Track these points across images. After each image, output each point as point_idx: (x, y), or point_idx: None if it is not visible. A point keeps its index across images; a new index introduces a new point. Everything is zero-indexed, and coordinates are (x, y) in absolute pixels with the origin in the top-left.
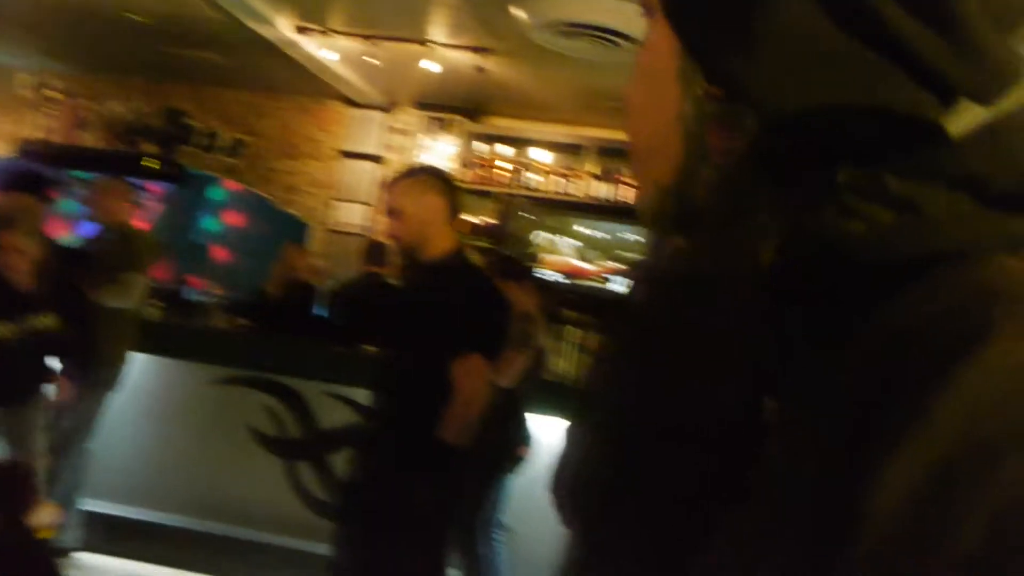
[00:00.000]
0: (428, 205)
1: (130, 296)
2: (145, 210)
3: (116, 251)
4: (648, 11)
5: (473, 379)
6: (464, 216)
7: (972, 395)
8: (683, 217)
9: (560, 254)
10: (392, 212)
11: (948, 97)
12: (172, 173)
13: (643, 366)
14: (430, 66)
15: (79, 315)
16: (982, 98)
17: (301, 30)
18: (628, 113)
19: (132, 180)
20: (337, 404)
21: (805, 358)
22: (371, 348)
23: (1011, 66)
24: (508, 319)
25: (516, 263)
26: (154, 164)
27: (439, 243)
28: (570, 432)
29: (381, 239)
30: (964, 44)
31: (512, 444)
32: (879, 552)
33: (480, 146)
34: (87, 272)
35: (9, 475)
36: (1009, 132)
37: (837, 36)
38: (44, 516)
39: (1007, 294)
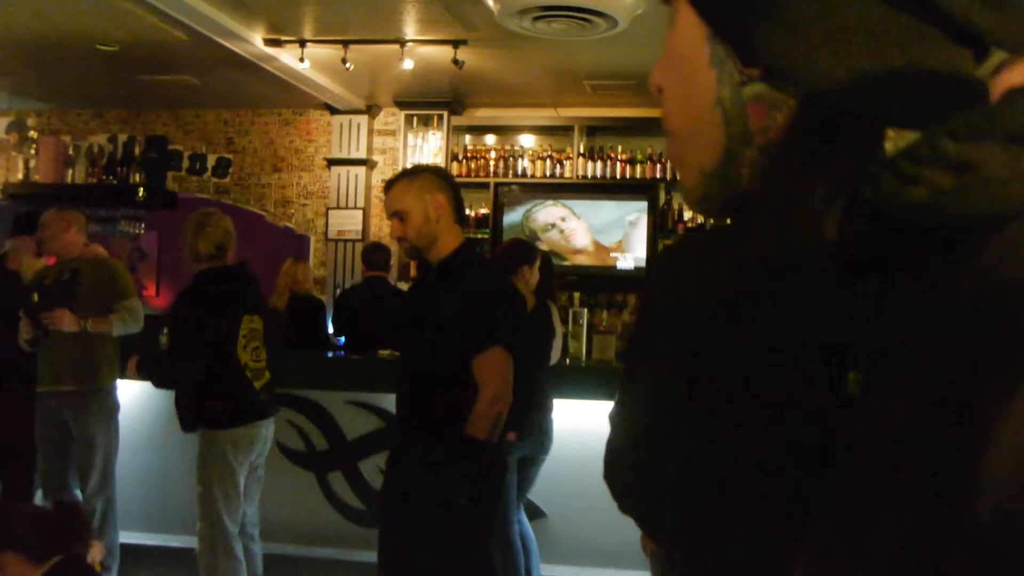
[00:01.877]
0: (432, 204)
1: (136, 320)
2: (132, 240)
3: (93, 281)
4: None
5: (497, 373)
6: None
7: None
8: (731, 200)
9: (561, 236)
10: (397, 214)
11: (982, 51)
12: (163, 200)
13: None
14: (406, 64)
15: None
16: (1015, 47)
17: (274, 43)
18: (662, 101)
19: (125, 211)
20: (361, 412)
21: (888, 326)
22: (383, 352)
23: None
24: (524, 310)
25: (523, 247)
26: (142, 194)
27: (447, 240)
28: (622, 416)
29: (378, 242)
30: None
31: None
32: (1000, 509)
33: (466, 138)
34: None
35: (72, 515)
36: None
37: (868, 1)
38: (95, 554)
39: None
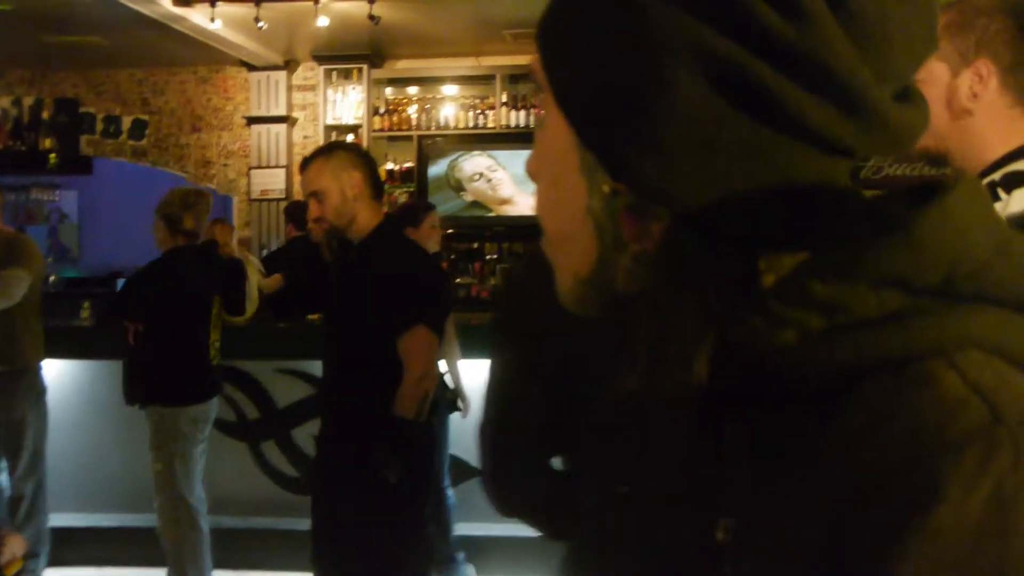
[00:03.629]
0: (348, 182)
1: (7, 291)
2: (42, 208)
3: None
4: (539, 87)
5: (421, 352)
6: (382, 166)
7: (929, 565)
8: (607, 303)
9: (488, 185)
10: (314, 195)
11: (854, 156)
12: (78, 165)
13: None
14: (321, 21)
15: None
16: (885, 156)
17: (183, 3)
18: (536, 197)
19: (38, 178)
20: (291, 379)
21: (758, 479)
22: (313, 316)
23: (911, 128)
24: (448, 286)
25: (413, 208)
26: (55, 159)
27: (366, 218)
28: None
29: (303, 200)
30: (866, 116)
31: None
32: None
33: (387, 91)
34: None
35: None
36: (924, 226)
37: (735, 118)
38: (13, 548)
39: (949, 442)
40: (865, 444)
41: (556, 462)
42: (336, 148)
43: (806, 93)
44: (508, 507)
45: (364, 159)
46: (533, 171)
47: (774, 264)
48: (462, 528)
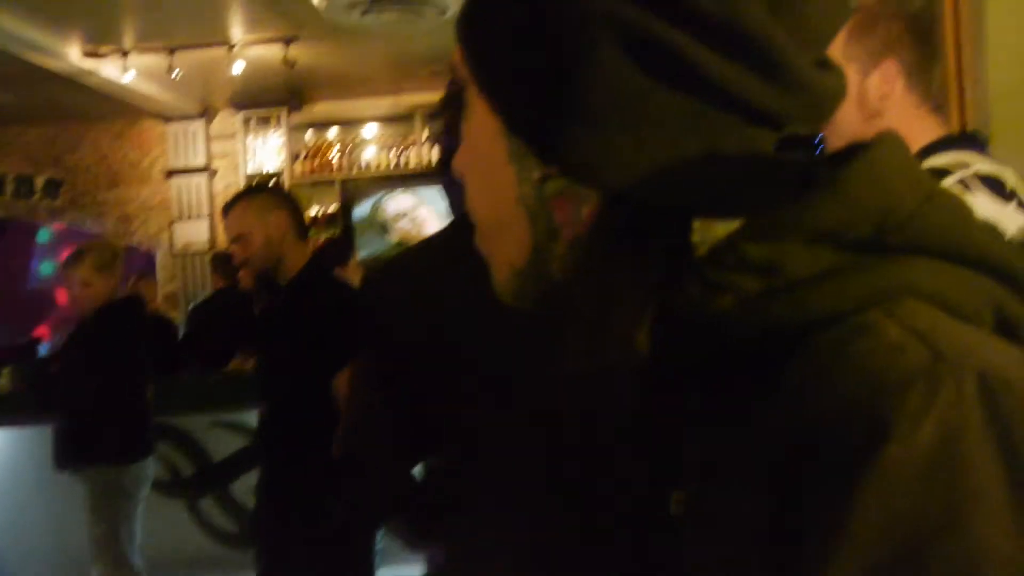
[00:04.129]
0: (273, 224)
1: None
2: None
3: None
4: (462, 82)
5: None
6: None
7: (881, 503)
8: (544, 297)
9: (413, 224)
10: (237, 238)
11: (778, 127)
12: None
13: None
14: (237, 67)
15: None
16: (810, 124)
17: (93, 54)
18: (467, 192)
19: None
20: (225, 432)
21: (709, 446)
22: (239, 364)
23: (831, 91)
24: None
25: (339, 246)
26: None
27: (293, 260)
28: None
29: (227, 251)
30: (786, 80)
31: None
32: None
33: (308, 134)
34: None
35: None
36: (852, 178)
37: (658, 90)
38: None
39: (893, 382)
40: (809, 396)
41: (417, 468)
42: (258, 190)
43: (726, 61)
44: (367, 514)
45: (286, 200)
46: (461, 167)
47: (706, 233)
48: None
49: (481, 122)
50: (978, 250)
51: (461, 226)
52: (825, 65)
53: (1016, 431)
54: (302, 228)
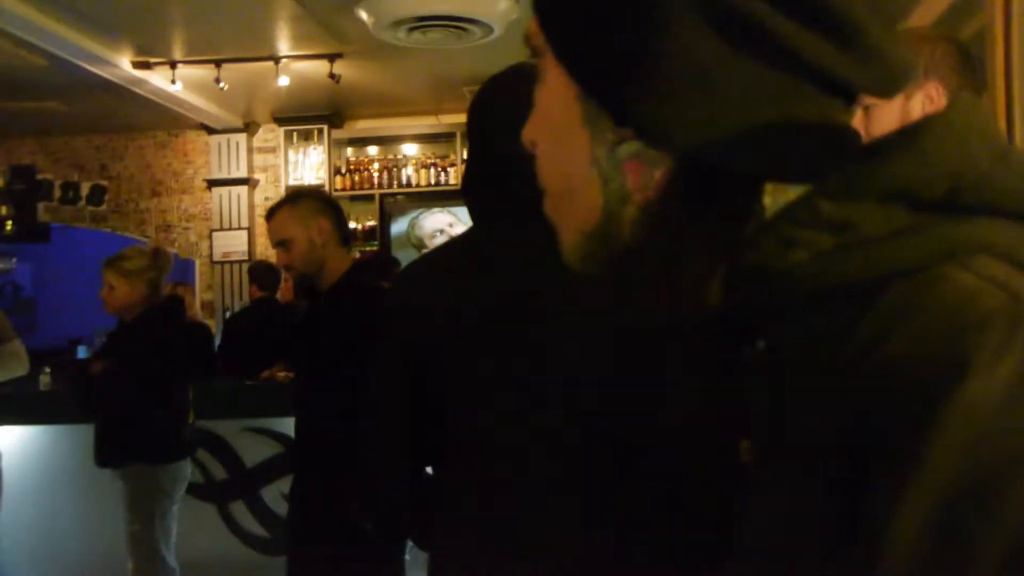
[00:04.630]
0: (316, 229)
1: (22, 363)
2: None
3: None
4: (537, 52)
5: None
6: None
7: (960, 436)
8: (613, 260)
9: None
10: (281, 243)
11: (851, 98)
12: (35, 232)
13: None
14: (283, 81)
15: None
16: (884, 95)
17: (143, 65)
18: (537, 159)
19: None
20: (259, 438)
21: (778, 396)
22: (280, 375)
23: (906, 63)
24: None
25: (383, 259)
26: (10, 227)
27: (335, 266)
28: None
29: (266, 261)
30: (862, 49)
31: None
32: None
33: (348, 151)
34: None
35: None
36: (928, 137)
37: (736, 58)
38: None
39: (972, 321)
40: (886, 340)
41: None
42: (302, 196)
43: (802, 29)
44: (380, 514)
45: (330, 206)
46: (531, 138)
47: (779, 197)
48: None
49: (555, 89)
50: None
51: (485, 230)
52: (900, 41)
53: None
54: (345, 235)
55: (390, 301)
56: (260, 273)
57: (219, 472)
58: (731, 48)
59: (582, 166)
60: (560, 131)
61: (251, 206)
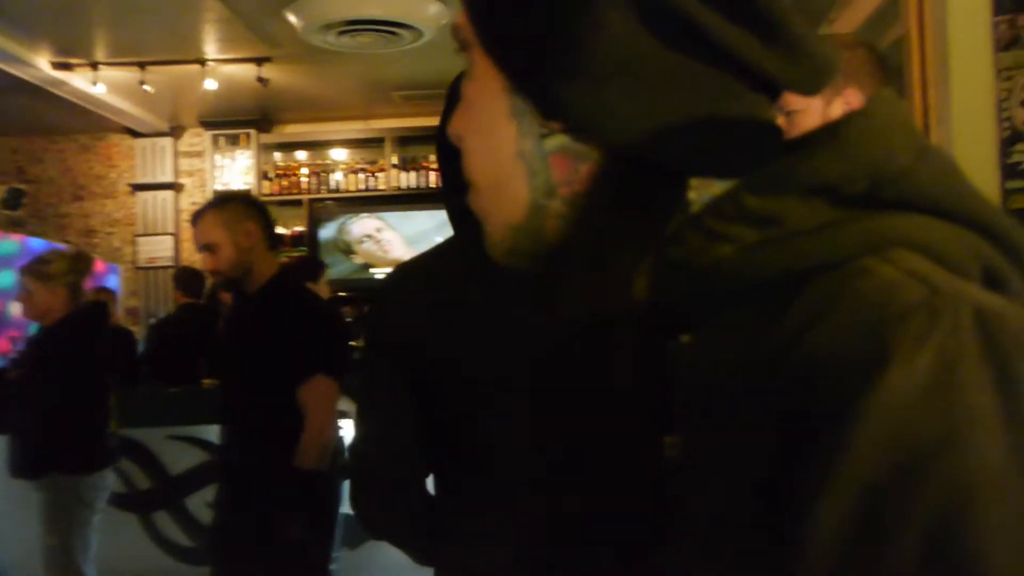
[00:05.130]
0: (243, 233)
1: None
2: None
3: None
4: (465, 45)
5: (323, 401)
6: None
7: (883, 423)
8: (539, 253)
9: (377, 247)
10: (207, 247)
11: (776, 95)
12: None
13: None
14: (210, 84)
15: None
16: (805, 90)
17: (63, 66)
18: (463, 152)
19: None
20: (183, 446)
21: (702, 390)
22: (206, 382)
23: (830, 59)
24: (347, 335)
25: (312, 262)
26: None
27: (262, 269)
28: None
29: (191, 267)
30: (787, 45)
31: None
32: None
33: (276, 156)
34: None
35: None
36: (850, 132)
37: (664, 52)
38: None
39: (893, 313)
40: (809, 334)
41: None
42: (229, 200)
43: (729, 23)
44: (378, 525)
45: (258, 209)
46: (458, 131)
47: (704, 192)
48: None
49: (483, 82)
50: (966, 207)
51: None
52: (824, 40)
53: (1010, 359)
54: (272, 239)
55: (378, 307)
56: (186, 279)
57: (142, 481)
58: (659, 42)
59: (508, 159)
60: (487, 124)
61: (177, 211)
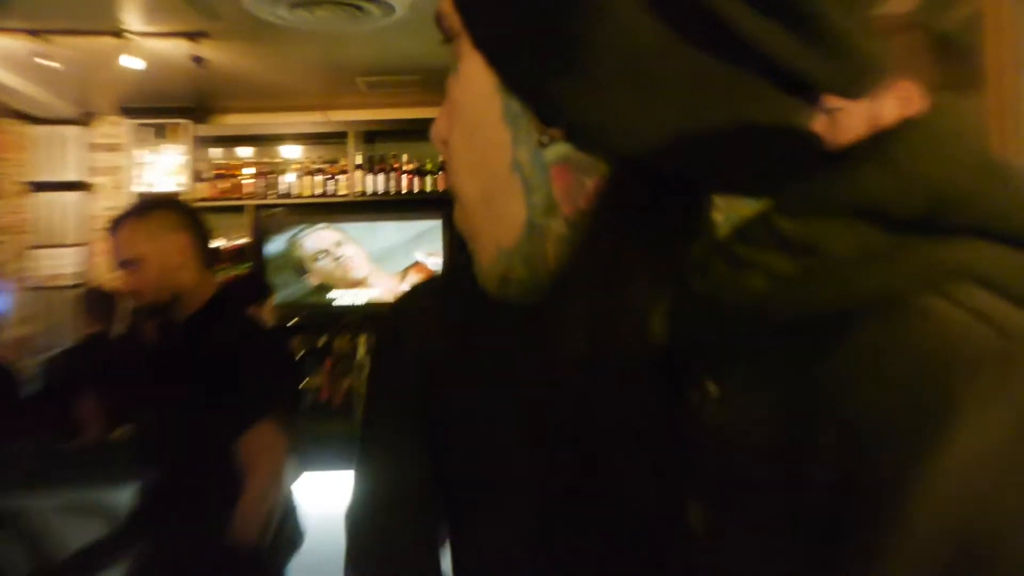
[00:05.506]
0: (172, 247)
1: None
2: None
3: None
4: (450, 36)
5: (267, 456)
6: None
7: (946, 496)
8: (537, 282)
9: (336, 264)
10: (126, 263)
11: (813, 99)
12: None
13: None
14: (131, 62)
15: None
16: (852, 95)
17: None
18: (448, 159)
19: None
20: (79, 519)
21: (730, 446)
22: (115, 434)
23: (878, 56)
24: (298, 373)
25: (257, 282)
26: None
27: (196, 291)
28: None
29: (102, 287)
30: (827, 40)
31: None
32: None
33: (214, 152)
34: None
35: None
36: (904, 146)
37: (682, 47)
38: None
39: (958, 363)
40: (863, 385)
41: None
42: (154, 206)
43: (760, 16)
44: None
45: (190, 218)
46: (441, 135)
47: (731, 212)
48: None
49: (472, 79)
50: None
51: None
52: (871, 32)
53: None
54: (208, 254)
55: (391, 325)
56: (92, 302)
57: (21, 564)
58: (675, 34)
59: (501, 171)
60: (476, 129)
61: (86, 218)
